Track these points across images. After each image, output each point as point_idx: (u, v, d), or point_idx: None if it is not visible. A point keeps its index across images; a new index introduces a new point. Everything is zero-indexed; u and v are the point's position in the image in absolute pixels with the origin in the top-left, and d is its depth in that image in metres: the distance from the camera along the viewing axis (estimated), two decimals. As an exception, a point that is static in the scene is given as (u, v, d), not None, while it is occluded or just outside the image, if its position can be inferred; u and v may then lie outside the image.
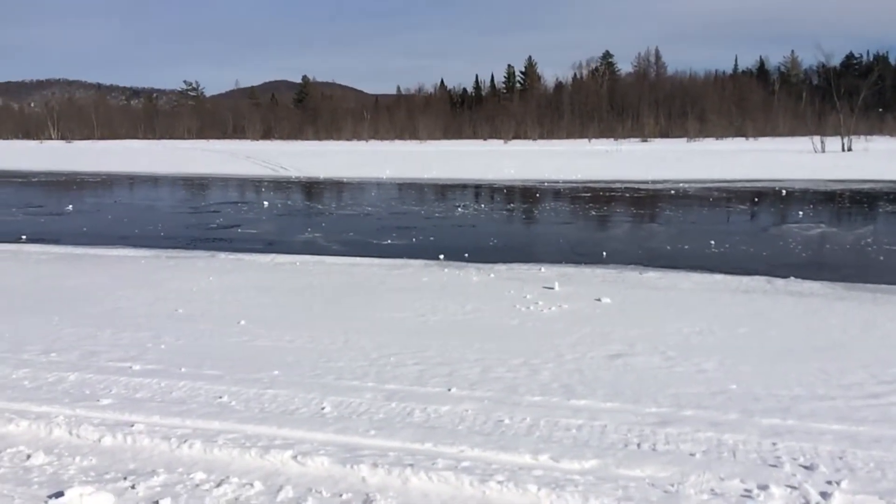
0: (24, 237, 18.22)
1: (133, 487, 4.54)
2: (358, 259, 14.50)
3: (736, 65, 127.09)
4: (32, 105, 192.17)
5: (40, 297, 10.66)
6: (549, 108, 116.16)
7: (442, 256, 14.46)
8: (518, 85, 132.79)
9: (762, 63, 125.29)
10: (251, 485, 4.55)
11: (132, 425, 5.48)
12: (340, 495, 4.41)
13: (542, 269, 12.77)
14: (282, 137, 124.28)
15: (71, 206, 27.35)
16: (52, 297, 10.57)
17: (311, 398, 6.15)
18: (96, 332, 8.51)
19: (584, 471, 4.63)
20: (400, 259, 14.42)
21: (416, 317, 9.29)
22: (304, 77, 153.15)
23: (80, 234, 19.10)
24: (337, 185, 38.87)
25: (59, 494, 4.33)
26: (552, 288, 10.83)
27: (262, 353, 7.64)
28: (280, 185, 38.58)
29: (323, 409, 5.88)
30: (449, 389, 6.35)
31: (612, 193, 32.01)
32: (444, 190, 35.65)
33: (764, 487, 4.34)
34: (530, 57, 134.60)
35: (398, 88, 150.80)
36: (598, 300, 9.99)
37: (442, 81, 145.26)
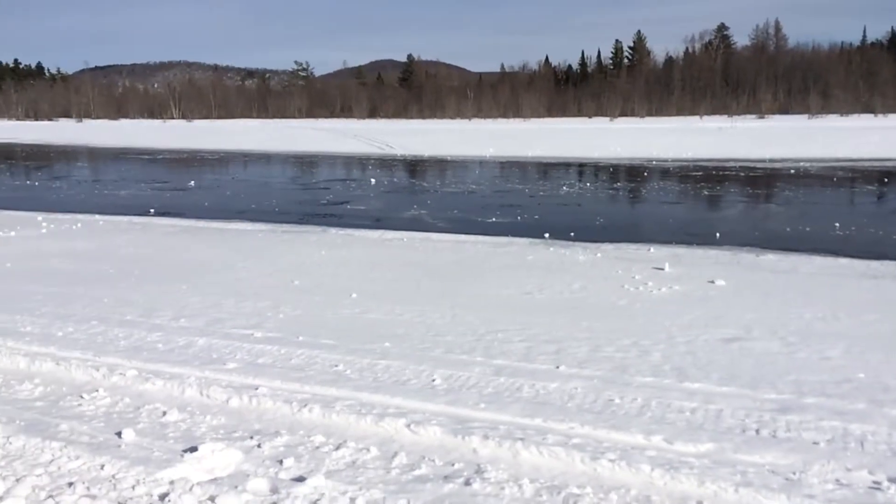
0: (152, 210, 19.44)
1: (259, 446, 4.81)
2: (463, 236, 14.63)
3: (864, 36, 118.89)
4: (156, 86, 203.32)
5: (168, 266, 11.36)
6: (659, 84, 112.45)
7: (547, 235, 14.37)
8: (626, 60, 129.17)
9: (894, 34, 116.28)
10: (367, 450, 4.73)
11: (256, 388, 5.80)
12: (452, 464, 4.52)
13: (651, 250, 12.48)
14: (387, 116, 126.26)
15: (193, 181, 28.89)
16: (179, 267, 11.25)
17: (421, 370, 6.30)
18: (220, 300, 9.01)
19: (699, 454, 4.55)
20: (504, 237, 14.45)
21: (521, 294, 9.31)
22: (409, 56, 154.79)
23: (202, 209, 20.17)
24: (441, 164, 39.22)
25: (194, 449, 4.64)
26: (662, 269, 10.57)
27: (373, 325, 7.87)
28: (386, 163, 39.30)
29: (433, 381, 6.02)
30: (557, 367, 6.35)
31: (726, 172, 30.75)
32: (547, 168, 35.30)
33: (895, 480, 4.13)
34: (639, 31, 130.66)
35: (502, 66, 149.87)
36: (712, 282, 9.67)
37: (546, 58, 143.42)
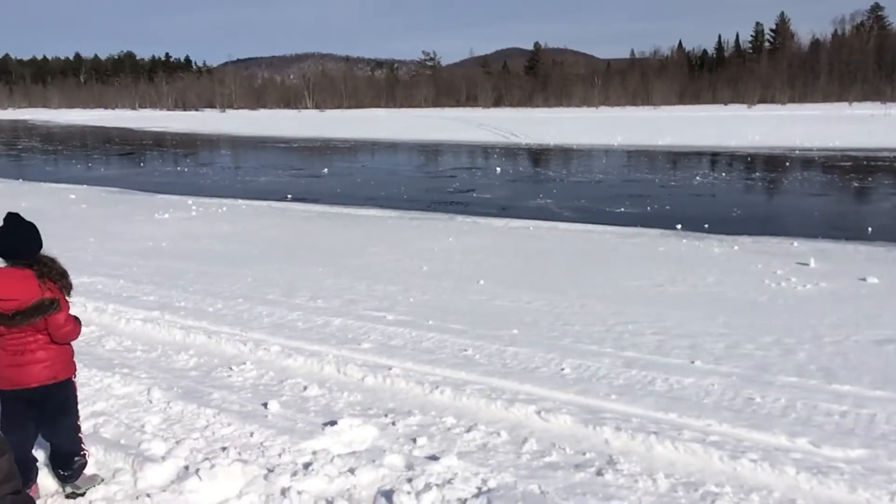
0: (289, 196, 20.41)
1: (393, 424, 4.98)
2: (590, 226, 14.41)
3: None
4: (292, 77, 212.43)
5: (306, 249, 11.91)
6: (803, 68, 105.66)
7: (679, 226, 13.90)
8: (767, 44, 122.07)
9: None
10: (498, 434, 4.78)
11: (390, 369, 5.99)
12: (584, 454, 4.49)
13: (795, 244, 11.79)
14: (512, 105, 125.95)
15: (326, 169, 30.06)
16: (315, 251, 11.77)
17: (550, 358, 6.29)
18: (354, 283, 9.35)
19: (849, 459, 4.28)
20: (633, 227, 14.11)
21: (652, 286, 9.07)
22: (536, 44, 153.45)
23: (335, 195, 20.96)
24: (567, 152, 38.70)
25: (333, 423, 4.87)
26: (807, 264, 9.97)
27: (500, 311, 7.93)
28: (511, 152, 39.24)
29: (562, 370, 5.99)
30: (692, 362, 6.15)
31: (879, 163, 28.51)
32: (679, 157, 34.05)
33: None
34: (782, 13, 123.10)
35: (632, 52, 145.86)
36: (863, 279, 9.03)
37: (680, 43, 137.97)
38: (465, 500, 3.89)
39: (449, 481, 4.06)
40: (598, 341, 6.78)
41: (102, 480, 4.10)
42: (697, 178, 24.66)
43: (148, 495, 3.94)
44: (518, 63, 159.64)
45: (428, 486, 3.96)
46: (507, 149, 41.69)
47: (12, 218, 3.66)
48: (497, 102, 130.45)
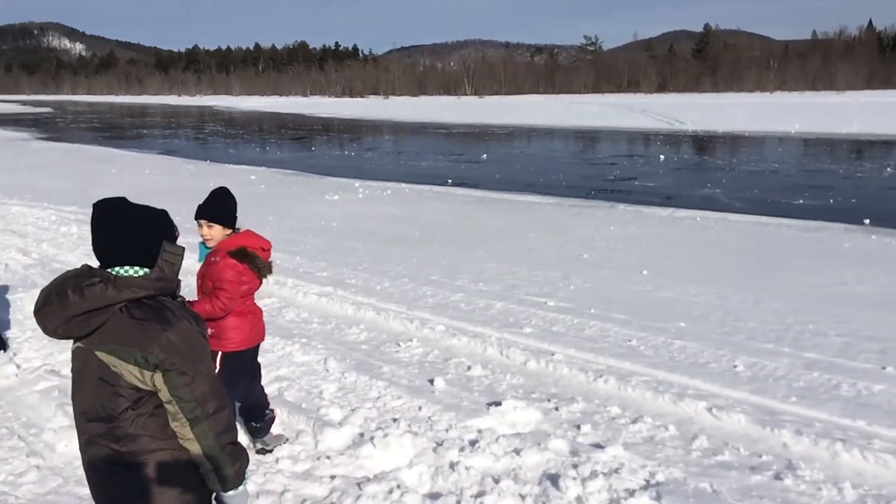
0: (449, 181, 20.81)
1: (556, 409, 4.98)
2: (764, 218, 13.57)
3: None
4: (452, 64, 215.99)
5: (466, 233, 12.11)
6: None
7: (867, 221, 12.76)
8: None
9: None
10: (665, 427, 4.66)
11: (552, 354, 5.99)
12: (760, 456, 4.28)
13: None
14: (677, 90, 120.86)
15: (485, 155, 30.34)
16: (475, 235, 11.94)
17: (721, 354, 6.01)
18: (514, 268, 9.41)
19: None
20: (814, 221, 13.12)
21: (836, 284, 8.41)
22: (706, 25, 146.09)
23: (494, 180, 21.12)
24: (737, 140, 36.59)
25: (497, 404, 4.95)
26: None
27: (666, 303, 7.68)
28: (675, 139, 37.69)
29: (735, 367, 5.72)
30: (883, 367, 5.66)
31: None
32: (867, 147, 31.20)
33: None
34: None
35: (813, 33, 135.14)
36: None
37: (870, 22, 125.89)
38: (633, 491, 3.83)
39: (616, 471, 4.01)
40: (775, 340, 6.40)
41: (287, 440, 4.43)
42: (889, 168, 22.49)
43: (328, 457, 4.21)
44: (685, 46, 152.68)
45: (594, 474, 3.94)
46: (670, 136, 40.08)
47: (225, 190, 4.00)
48: (661, 88, 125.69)
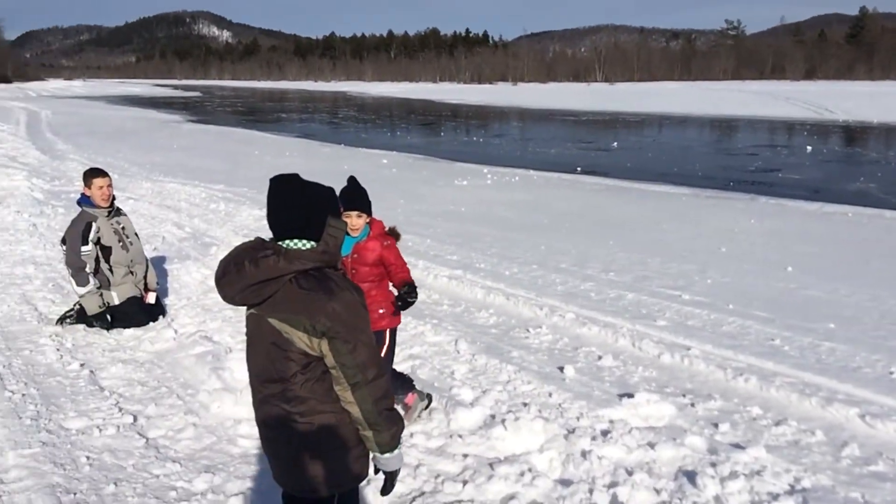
0: (578, 169, 20.50)
1: (692, 405, 4.83)
2: (927, 216, 12.48)
3: None
4: (583, 50, 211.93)
5: (596, 222, 11.91)
6: None
7: None
8: None
9: None
10: (812, 432, 4.41)
11: (688, 349, 5.80)
12: (920, 470, 3.97)
13: None
14: (826, 77, 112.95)
15: (616, 143, 29.65)
16: (605, 223, 11.72)
17: (875, 359, 5.61)
18: (646, 258, 9.16)
19: None
20: None
21: None
22: (862, 8, 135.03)
23: (625, 169, 20.60)
24: (894, 132, 33.74)
25: (629, 395, 4.85)
26: None
27: (813, 302, 7.24)
28: (824, 129, 35.28)
29: (891, 373, 5.32)
30: None
31: None
32: None
33: None
34: None
35: None
36: None
37: None
38: (777, 495, 3.66)
39: (758, 473, 3.84)
40: (939, 348, 5.89)
41: (429, 397, 4.59)
42: None
43: (460, 436, 4.28)
44: (837, 31, 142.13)
45: (734, 474, 3.79)
46: (818, 126, 37.54)
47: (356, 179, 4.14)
48: (808, 74, 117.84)
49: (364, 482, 2.53)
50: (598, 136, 34.80)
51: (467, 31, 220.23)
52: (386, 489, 2.48)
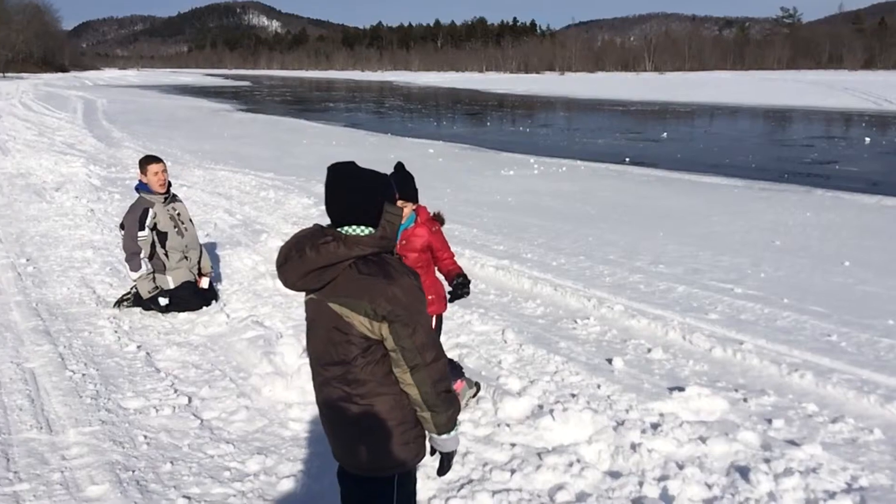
0: (627, 159, 20.22)
1: (745, 400, 4.74)
2: None
3: None
4: (632, 39, 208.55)
5: (644, 213, 11.73)
6: None
7: None
8: None
9: None
10: (870, 430, 4.29)
11: (741, 343, 5.69)
12: None
13: None
14: (886, 67, 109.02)
15: (665, 133, 29.15)
16: (654, 215, 11.54)
17: (938, 358, 5.43)
18: (696, 251, 9.00)
19: None
20: None
21: None
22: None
23: (675, 160, 20.24)
24: (960, 122, 32.49)
25: (680, 389, 4.78)
26: None
27: (871, 298, 7.03)
28: (883, 121, 34.14)
29: (954, 373, 5.14)
30: None
31: None
32: None
33: None
34: None
35: None
36: None
37: None
38: (833, 493, 3.58)
39: (813, 470, 3.76)
40: None
41: (477, 385, 4.60)
42: None
43: (507, 425, 4.29)
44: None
45: (789, 471, 3.71)
46: (878, 117, 36.32)
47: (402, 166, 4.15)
48: (867, 64, 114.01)
49: (421, 463, 2.58)
50: (646, 127, 34.27)
51: (514, 20, 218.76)
52: (442, 469, 2.55)
